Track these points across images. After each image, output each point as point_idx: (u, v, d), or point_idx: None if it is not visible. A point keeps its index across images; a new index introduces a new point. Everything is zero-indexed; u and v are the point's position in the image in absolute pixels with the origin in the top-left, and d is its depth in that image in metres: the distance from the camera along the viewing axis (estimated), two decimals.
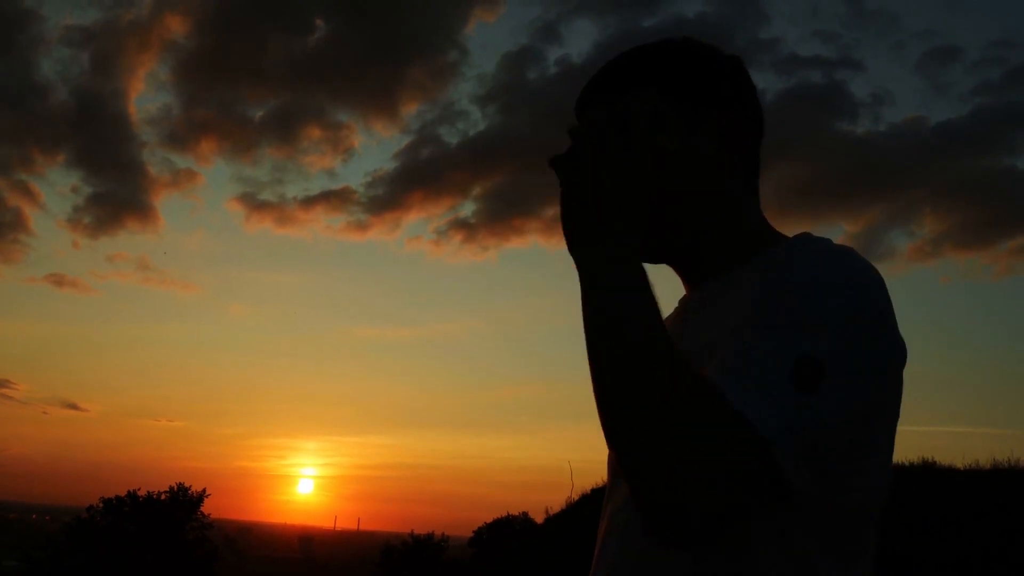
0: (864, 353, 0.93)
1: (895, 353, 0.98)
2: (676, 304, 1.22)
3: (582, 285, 0.98)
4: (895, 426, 1.03)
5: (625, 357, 0.92)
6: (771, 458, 0.87)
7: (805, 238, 1.09)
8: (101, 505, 31.45)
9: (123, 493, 31.81)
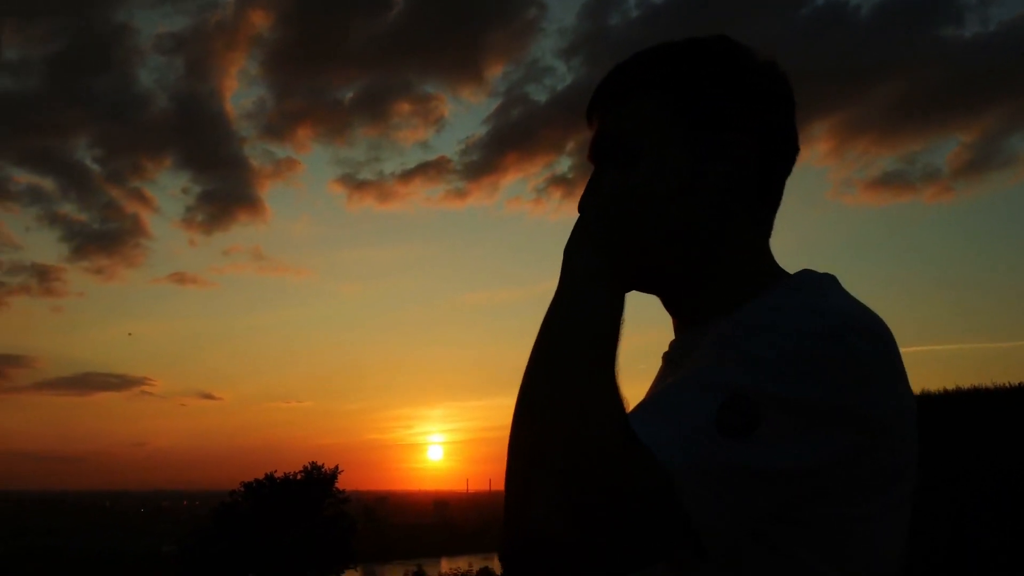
0: (824, 407, 0.80)
1: (882, 414, 0.84)
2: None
3: (560, 280, 0.92)
4: (896, 501, 0.87)
5: (565, 345, 0.85)
6: (671, 491, 0.77)
7: (803, 278, 0.97)
8: (242, 489, 32.90)
9: (261, 475, 33.15)
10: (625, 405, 0.83)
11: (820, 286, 0.94)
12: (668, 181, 0.95)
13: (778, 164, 1.02)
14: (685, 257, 0.98)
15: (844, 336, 0.83)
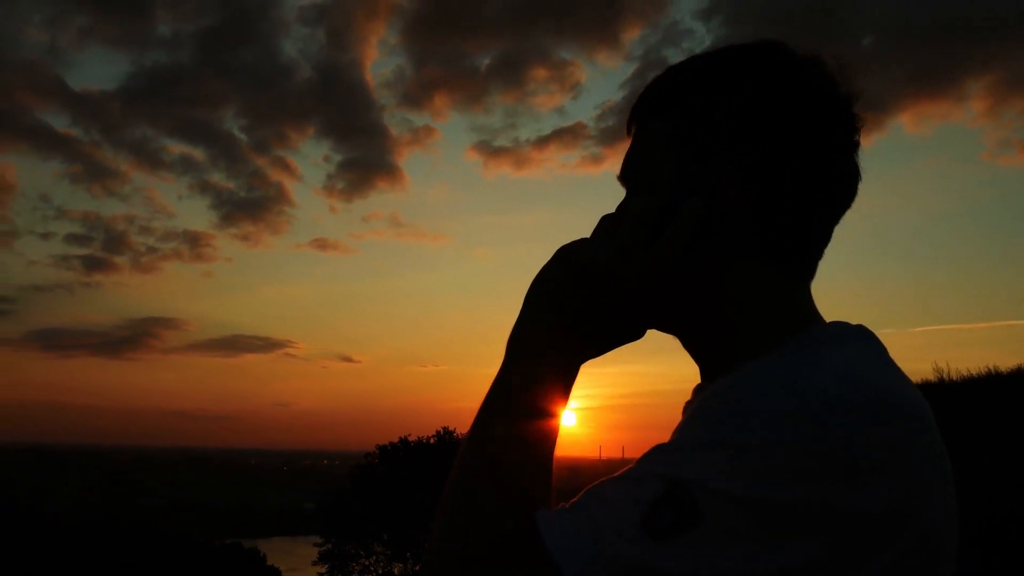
0: (790, 506, 0.66)
1: (880, 509, 0.67)
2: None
3: (505, 377, 0.85)
4: None
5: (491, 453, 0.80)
6: None
7: (822, 332, 0.81)
8: (377, 452, 33.75)
9: (396, 438, 33.86)
10: (545, 498, 0.79)
11: (825, 347, 0.77)
12: (623, 242, 0.83)
13: (827, 199, 0.84)
14: (688, 305, 0.86)
15: (824, 419, 0.67)
